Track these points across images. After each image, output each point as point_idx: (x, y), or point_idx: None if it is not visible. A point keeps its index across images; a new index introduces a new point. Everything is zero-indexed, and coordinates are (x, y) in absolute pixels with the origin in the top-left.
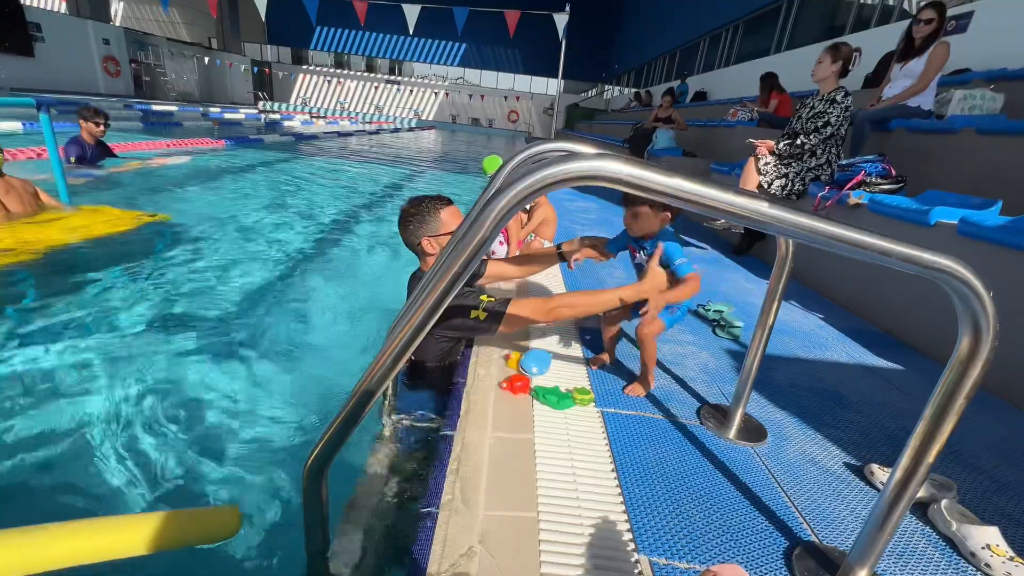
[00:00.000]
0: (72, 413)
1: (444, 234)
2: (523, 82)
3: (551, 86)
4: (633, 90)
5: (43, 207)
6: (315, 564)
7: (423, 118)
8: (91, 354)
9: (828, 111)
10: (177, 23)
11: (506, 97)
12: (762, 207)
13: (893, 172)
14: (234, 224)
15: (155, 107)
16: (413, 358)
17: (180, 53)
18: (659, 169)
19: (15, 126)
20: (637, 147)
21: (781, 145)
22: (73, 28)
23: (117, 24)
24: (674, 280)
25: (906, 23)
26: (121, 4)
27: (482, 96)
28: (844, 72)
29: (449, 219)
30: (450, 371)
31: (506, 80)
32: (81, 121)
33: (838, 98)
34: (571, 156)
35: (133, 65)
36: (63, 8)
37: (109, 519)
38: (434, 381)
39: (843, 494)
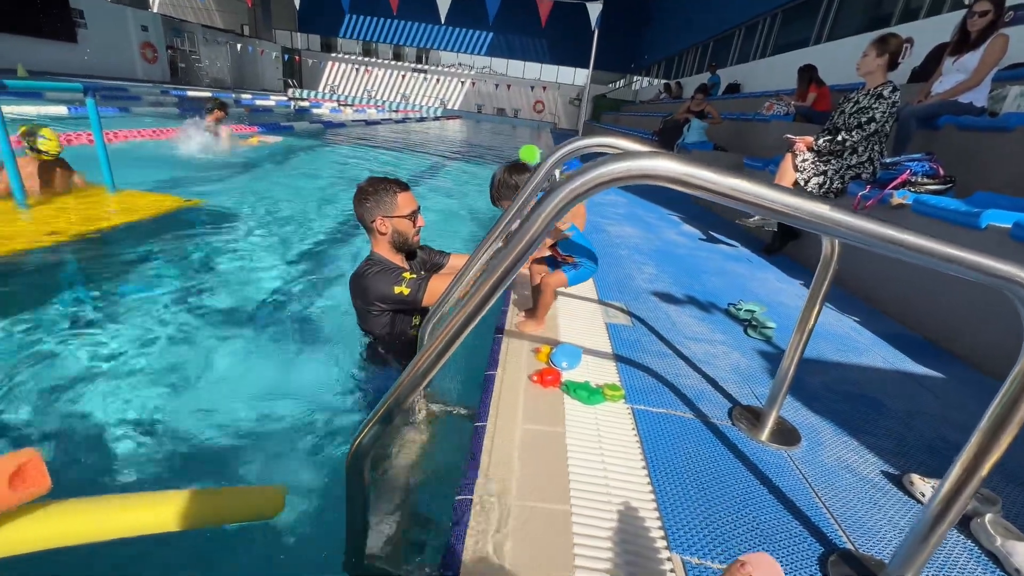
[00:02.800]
0: (116, 391)
1: (397, 216)
2: (549, 72)
3: (578, 76)
4: (663, 81)
5: (82, 190)
6: (355, 546)
7: (449, 107)
8: (137, 334)
9: (873, 106)
10: (211, 10)
11: (532, 87)
12: (822, 209)
13: (941, 172)
14: (266, 210)
15: (190, 93)
16: (366, 333)
17: (214, 40)
18: (715, 168)
19: (61, 110)
20: (667, 140)
21: (820, 142)
22: (114, 14)
23: (155, 11)
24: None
25: (959, 13)
26: None
27: (508, 86)
28: (892, 65)
29: (404, 203)
30: (402, 339)
31: (532, 70)
32: (208, 111)
33: (885, 93)
34: (625, 155)
35: (169, 51)
36: None
37: (155, 494)
38: (392, 350)
39: (880, 503)
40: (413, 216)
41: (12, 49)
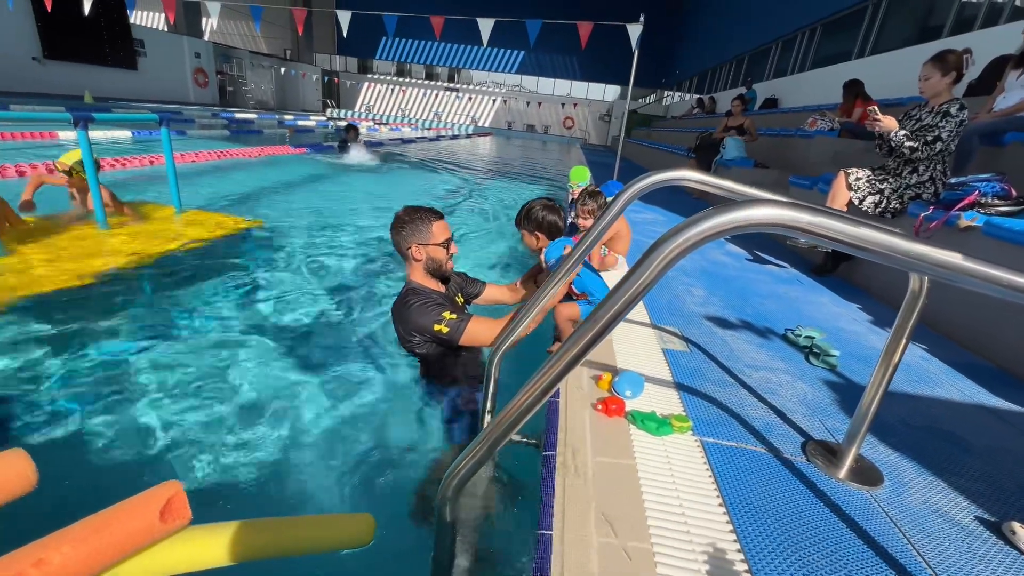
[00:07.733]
0: (206, 420)
1: (432, 244)
2: (579, 88)
3: (608, 92)
4: (696, 96)
5: (152, 211)
6: None
7: (480, 124)
8: (215, 359)
9: (940, 124)
10: (257, 36)
11: (563, 104)
12: (955, 260)
13: (1014, 192)
14: (327, 228)
15: (238, 115)
16: (415, 353)
17: (259, 64)
18: (843, 217)
19: (126, 134)
20: (705, 157)
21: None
22: (171, 44)
23: (207, 39)
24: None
25: (1018, 25)
26: (212, 20)
27: (539, 103)
28: (959, 80)
29: (438, 231)
30: (449, 364)
31: (562, 86)
32: (347, 132)
33: (952, 111)
34: (750, 203)
35: (219, 76)
36: (162, 25)
37: (246, 522)
38: (440, 373)
39: (979, 552)
40: (447, 244)
41: (81, 77)
